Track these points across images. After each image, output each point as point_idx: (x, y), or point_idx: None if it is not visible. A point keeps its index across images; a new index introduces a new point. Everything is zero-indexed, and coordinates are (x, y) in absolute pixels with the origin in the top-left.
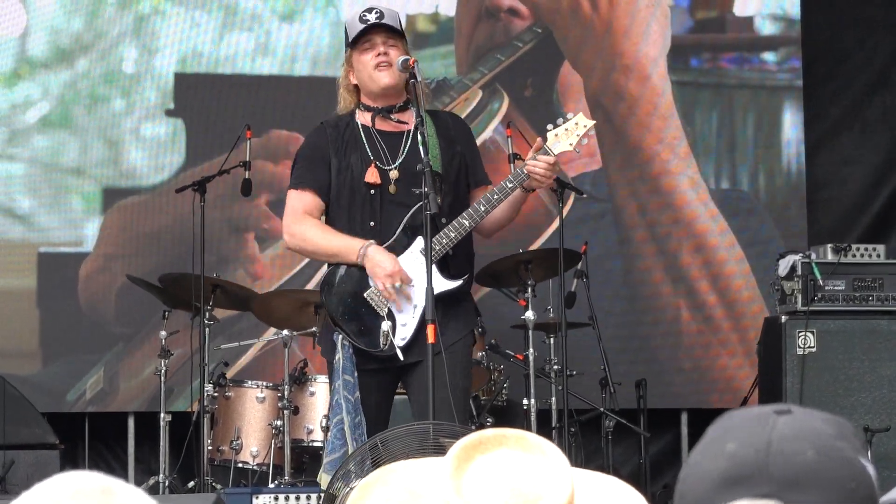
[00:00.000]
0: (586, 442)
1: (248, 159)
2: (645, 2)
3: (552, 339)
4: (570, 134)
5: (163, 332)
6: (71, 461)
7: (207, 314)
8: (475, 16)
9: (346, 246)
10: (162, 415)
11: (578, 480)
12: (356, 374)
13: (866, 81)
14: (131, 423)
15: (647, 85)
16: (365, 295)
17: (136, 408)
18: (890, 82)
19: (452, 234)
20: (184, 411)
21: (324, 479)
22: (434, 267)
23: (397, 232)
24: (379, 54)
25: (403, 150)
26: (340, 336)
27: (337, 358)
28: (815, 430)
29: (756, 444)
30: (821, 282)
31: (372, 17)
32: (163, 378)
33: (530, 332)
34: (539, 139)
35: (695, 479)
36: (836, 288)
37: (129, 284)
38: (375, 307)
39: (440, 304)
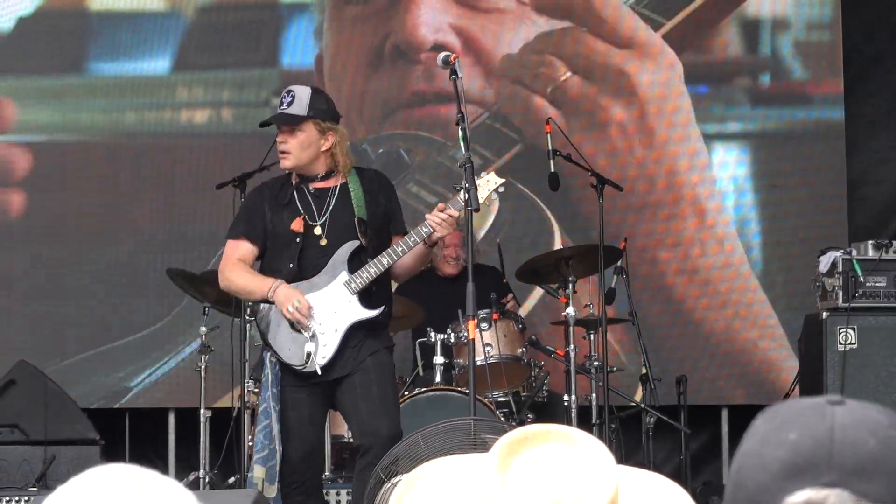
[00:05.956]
0: (626, 438)
1: None
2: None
3: (592, 336)
4: (481, 189)
5: (203, 328)
6: (112, 457)
7: (248, 310)
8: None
9: (258, 286)
10: (202, 411)
11: (623, 477)
12: (279, 388)
13: None
14: (172, 418)
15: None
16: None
17: (177, 404)
18: None
19: (372, 270)
20: (224, 407)
21: (256, 470)
22: (356, 297)
23: (321, 272)
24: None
25: (329, 204)
26: (268, 354)
27: (266, 373)
28: (873, 420)
29: (817, 434)
30: (861, 278)
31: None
32: (203, 374)
33: (571, 328)
34: (441, 204)
35: (753, 468)
36: (877, 284)
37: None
38: (301, 329)
39: (360, 328)
